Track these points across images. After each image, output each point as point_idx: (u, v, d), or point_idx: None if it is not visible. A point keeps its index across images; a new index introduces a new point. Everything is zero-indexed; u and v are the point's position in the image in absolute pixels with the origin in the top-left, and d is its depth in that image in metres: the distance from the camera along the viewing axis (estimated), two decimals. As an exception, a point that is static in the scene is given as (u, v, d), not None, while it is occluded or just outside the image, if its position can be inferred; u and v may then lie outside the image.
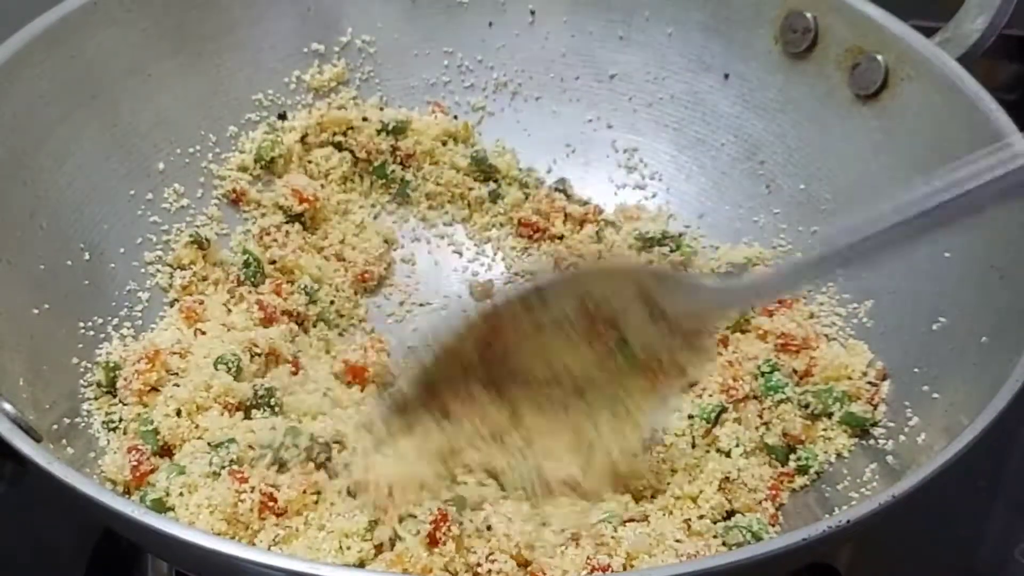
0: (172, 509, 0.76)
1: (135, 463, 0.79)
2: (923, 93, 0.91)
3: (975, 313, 0.83)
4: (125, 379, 0.84)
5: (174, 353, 0.86)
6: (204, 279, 0.95)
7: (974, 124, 0.87)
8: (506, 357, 0.79)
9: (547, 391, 0.80)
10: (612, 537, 0.76)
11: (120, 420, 0.83)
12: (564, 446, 0.80)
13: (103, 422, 0.84)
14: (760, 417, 0.87)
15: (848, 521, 0.65)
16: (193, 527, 0.71)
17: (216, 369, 0.85)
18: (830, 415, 0.86)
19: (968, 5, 0.93)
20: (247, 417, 0.84)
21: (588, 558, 0.74)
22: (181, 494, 0.77)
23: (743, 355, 0.90)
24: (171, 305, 0.94)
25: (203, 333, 0.90)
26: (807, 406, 0.87)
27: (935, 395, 0.82)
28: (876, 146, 0.95)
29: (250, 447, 0.80)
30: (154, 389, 0.85)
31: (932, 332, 0.85)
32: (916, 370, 0.85)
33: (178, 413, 0.82)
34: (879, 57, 0.94)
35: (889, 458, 0.82)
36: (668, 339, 0.79)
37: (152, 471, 0.79)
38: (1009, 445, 0.98)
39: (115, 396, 0.85)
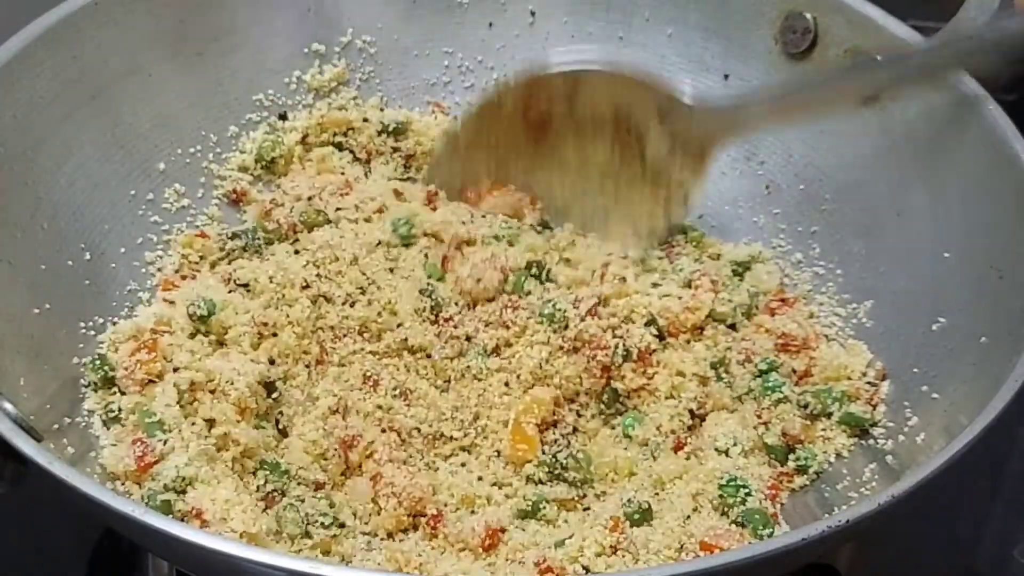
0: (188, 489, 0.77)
1: (140, 454, 0.79)
2: (922, 93, 0.91)
3: (974, 313, 0.83)
4: (127, 368, 0.84)
5: (159, 332, 0.86)
6: (201, 258, 0.96)
7: (973, 125, 0.87)
8: (542, 125, 0.93)
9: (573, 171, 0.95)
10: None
11: (119, 410, 0.83)
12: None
13: (103, 414, 0.83)
14: (759, 417, 0.87)
15: (847, 521, 0.65)
16: (193, 528, 0.71)
17: (189, 316, 0.86)
18: (829, 415, 0.86)
19: (967, 6, 0.92)
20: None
21: None
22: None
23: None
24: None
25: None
26: (806, 406, 0.87)
27: (934, 395, 0.82)
28: (875, 146, 0.95)
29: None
30: (151, 382, 0.85)
31: (932, 332, 0.85)
32: (915, 370, 0.85)
33: (178, 402, 0.82)
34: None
35: (888, 458, 0.83)
36: (677, 157, 0.92)
37: (157, 462, 0.79)
38: (1009, 445, 0.98)
39: (113, 387, 0.85)
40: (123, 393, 0.84)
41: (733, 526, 0.79)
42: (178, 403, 0.82)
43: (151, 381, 0.84)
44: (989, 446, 0.70)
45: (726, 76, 1.04)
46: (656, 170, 0.94)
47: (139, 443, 0.79)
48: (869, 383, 0.88)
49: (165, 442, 0.79)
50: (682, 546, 0.77)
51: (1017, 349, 0.74)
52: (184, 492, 0.76)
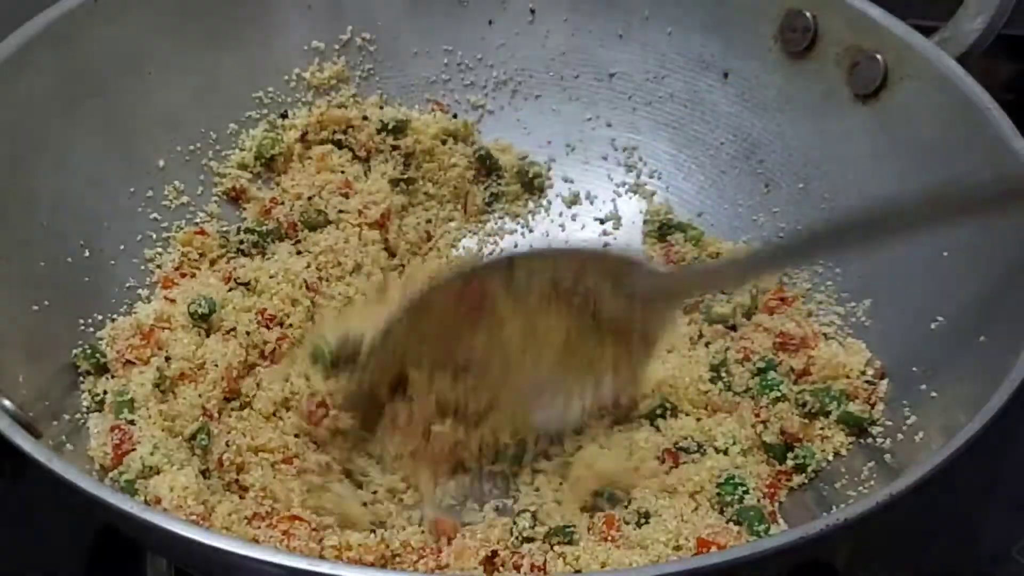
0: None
1: (117, 442, 0.79)
2: (922, 93, 0.91)
3: (973, 312, 0.83)
4: (118, 352, 0.85)
5: (160, 327, 0.87)
6: (201, 255, 0.97)
7: (972, 124, 0.87)
8: (477, 320, 0.83)
9: (520, 357, 0.84)
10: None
11: (104, 393, 0.84)
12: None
13: (90, 402, 0.84)
14: (757, 415, 0.87)
15: (845, 520, 0.65)
16: (193, 525, 0.71)
17: (191, 314, 0.86)
18: (828, 414, 0.86)
19: (967, 4, 0.93)
20: None
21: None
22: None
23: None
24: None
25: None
26: (804, 405, 0.87)
27: (933, 394, 0.82)
28: (875, 145, 0.95)
29: None
30: (135, 364, 0.85)
31: (930, 331, 0.85)
32: (914, 369, 0.85)
33: (157, 386, 0.83)
34: (878, 56, 0.94)
35: (887, 457, 0.83)
36: (635, 313, 0.83)
37: (132, 450, 0.79)
38: (1007, 444, 0.98)
39: (105, 374, 0.86)
40: (112, 376, 0.85)
41: (731, 524, 0.79)
42: (156, 386, 0.82)
43: (135, 364, 0.85)
44: (988, 445, 0.70)
45: (725, 75, 1.04)
46: (615, 329, 0.84)
47: (117, 430, 0.80)
48: (868, 382, 0.88)
49: (132, 422, 0.80)
50: (679, 544, 0.77)
51: (1016, 348, 0.74)
52: (149, 479, 0.77)
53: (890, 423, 0.85)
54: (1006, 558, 0.91)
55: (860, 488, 0.81)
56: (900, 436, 0.83)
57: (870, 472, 0.82)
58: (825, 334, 0.93)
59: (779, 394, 0.87)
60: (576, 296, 0.82)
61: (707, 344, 0.93)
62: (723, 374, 0.89)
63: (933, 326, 0.85)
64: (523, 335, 0.83)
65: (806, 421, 0.87)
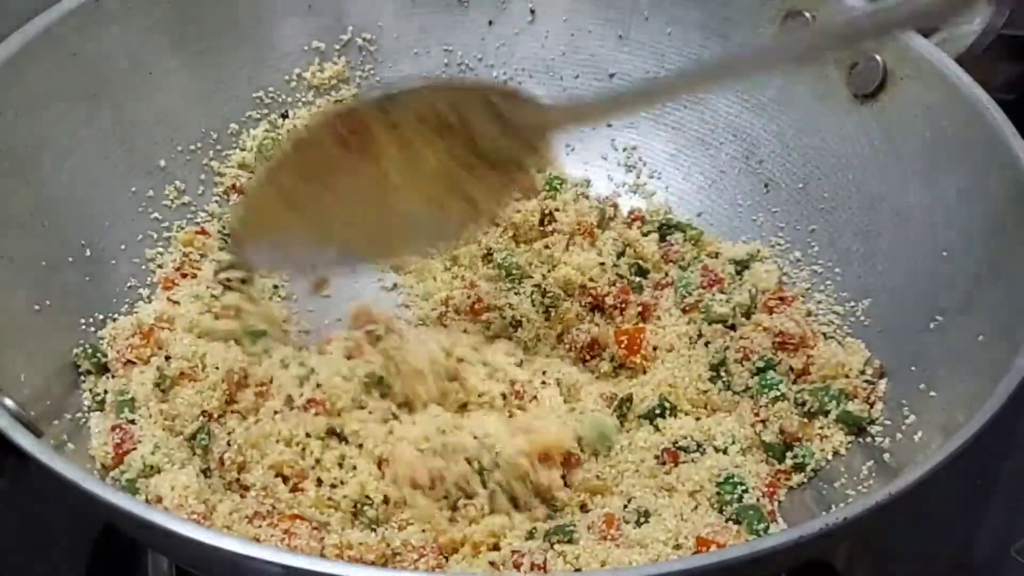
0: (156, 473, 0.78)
1: (118, 441, 0.80)
2: (921, 93, 0.92)
3: (972, 312, 0.83)
4: (118, 352, 0.85)
5: (160, 327, 0.88)
6: (202, 255, 0.97)
7: (972, 124, 0.87)
8: (363, 149, 0.84)
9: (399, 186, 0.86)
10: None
11: (104, 392, 0.84)
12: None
13: (91, 401, 0.84)
14: (756, 415, 0.87)
15: (845, 519, 0.65)
16: (195, 524, 0.71)
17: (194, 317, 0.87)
18: (827, 413, 0.86)
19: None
20: None
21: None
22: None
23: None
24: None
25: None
26: (804, 404, 0.87)
27: (932, 393, 0.82)
28: (874, 145, 0.95)
29: None
30: (135, 364, 0.86)
31: (929, 331, 0.85)
32: (913, 368, 0.85)
33: (157, 385, 0.83)
34: (878, 57, 0.94)
35: (886, 456, 0.83)
36: (510, 141, 0.85)
37: (133, 450, 0.80)
38: (1006, 443, 0.98)
39: (106, 373, 0.86)
40: (113, 376, 0.85)
41: (730, 523, 0.79)
42: (157, 386, 0.83)
43: (136, 363, 0.85)
44: (986, 444, 0.70)
45: (725, 75, 1.04)
46: (491, 155, 0.86)
47: (118, 429, 0.80)
48: (867, 381, 0.88)
49: (133, 421, 0.81)
50: (679, 543, 0.77)
51: (1014, 348, 0.74)
52: (150, 478, 0.78)
53: (889, 422, 0.85)
54: (1006, 558, 0.91)
55: (859, 487, 0.81)
56: (899, 435, 0.83)
57: (869, 471, 0.82)
58: (824, 334, 0.93)
59: (778, 393, 0.87)
60: (452, 126, 0.84)
61: (707, 344, 0.93)
62: (723, 374, 0.90)
63: (932, 325, 0.85)
64: (401, 165, 0.85)
65: (805, 420, 0.87)
